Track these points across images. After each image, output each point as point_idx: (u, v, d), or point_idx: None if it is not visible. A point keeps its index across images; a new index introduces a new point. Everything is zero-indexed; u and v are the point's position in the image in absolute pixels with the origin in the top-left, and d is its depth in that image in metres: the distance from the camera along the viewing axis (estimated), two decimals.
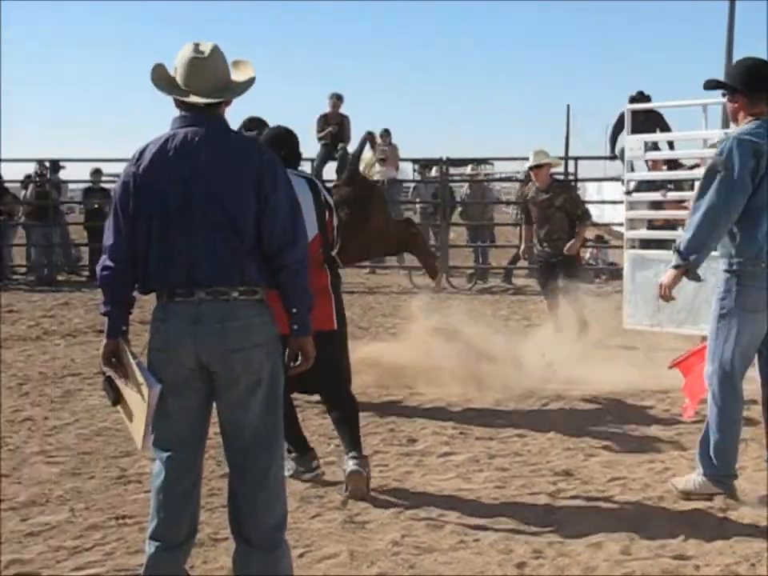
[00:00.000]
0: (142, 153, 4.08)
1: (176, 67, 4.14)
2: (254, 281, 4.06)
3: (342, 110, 18.79)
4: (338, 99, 18.74)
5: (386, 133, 19.07)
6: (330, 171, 18.71)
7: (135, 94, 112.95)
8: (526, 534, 5.59)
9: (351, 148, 18.73)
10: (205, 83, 4.10)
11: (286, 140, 6.34)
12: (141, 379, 4.02)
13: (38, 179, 19.13)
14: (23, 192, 19.56)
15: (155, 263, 4.04)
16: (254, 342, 4.06)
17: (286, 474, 6.89)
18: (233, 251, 4.02)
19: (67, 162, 19.90)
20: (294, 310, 4.12)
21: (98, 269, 4.11)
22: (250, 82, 4.23)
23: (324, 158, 18.64)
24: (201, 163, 4.03)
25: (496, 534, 5.58)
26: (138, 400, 4.06)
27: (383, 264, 19.50)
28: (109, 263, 4.06)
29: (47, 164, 19.32)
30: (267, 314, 4.12)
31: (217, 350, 4.02)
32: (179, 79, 4.12)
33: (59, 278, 19.01)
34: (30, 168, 19.67)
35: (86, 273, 19.48)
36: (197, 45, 4.14)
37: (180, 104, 4.15)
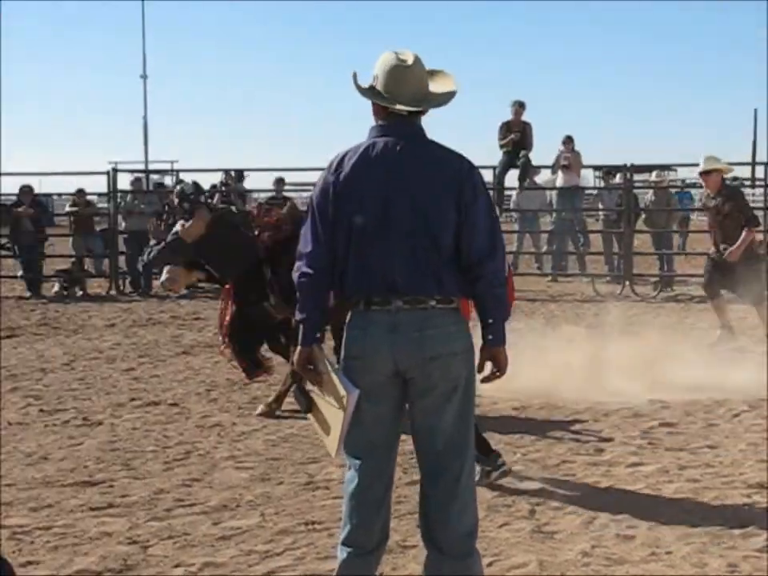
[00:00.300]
0: (341, 161, 4.13)
1: (376, 75, 4.17)
2: (451, 291, 4.08)
3: (525, 117, 18.74)
4: (520, 106, 18.69)
5: (569, 139, 18.93)
6: (511, 178, 18.70)
7: (316, 106, 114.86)
8: (720, 548, 5.45)
9: (533, 155, 18.70)
10: (408, 92, 4.13)
11: None
12: (339, 385, 4.07)
13: (223, 189, 19.66)
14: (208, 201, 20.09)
15: (353, 271, 4.09)
16: (451, 350, 4.07)
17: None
18: (431, 262, 4.05)
19: (251, 171, 20.41)
20: (490, 321, 4.12)
21: (294, 275, 4.17)
22: (451, 95, 4.25)
23: (506, 166, 18.61)
24: (401, 172, 4.07)
25: (688, 547, 5.46)
26: (334, 407, 4.11)
27: (565, 272, 19.32)
28: (307, 270, 4.12)
29: (233, 173, 19.85)
30: (463, 322, 4.14)
31: (415, 358, 4.04)
32: (380, 87, 4.15)
33: None
34: (217, 178, 20.26)
35: None
36: (398, 53, 4.17)
37: (380, 112, 4.19)
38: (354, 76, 4.19)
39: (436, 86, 4.24)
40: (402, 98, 4.12)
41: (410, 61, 4.16)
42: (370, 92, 4.18)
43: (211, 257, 8.44)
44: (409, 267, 4.04)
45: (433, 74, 4.28)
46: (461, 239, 4.08)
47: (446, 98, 4.25)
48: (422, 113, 4.22)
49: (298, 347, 4.19)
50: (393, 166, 4.08)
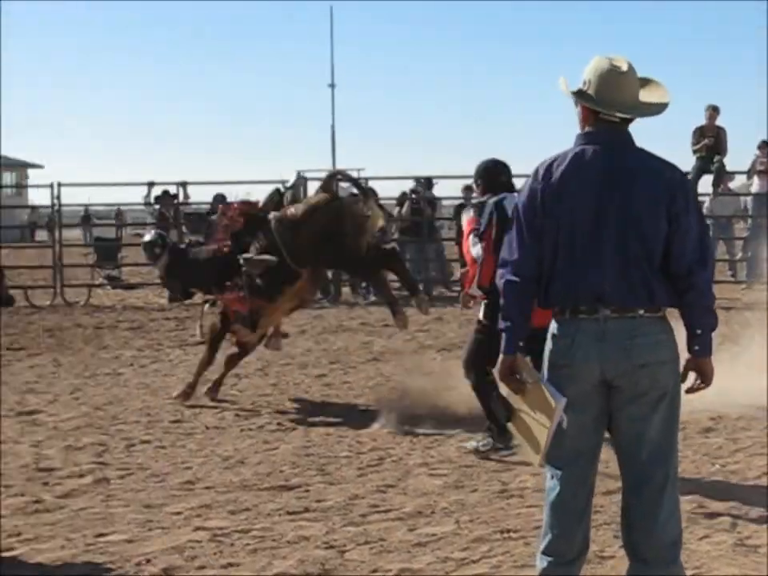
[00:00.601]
0: (548, 168, 4.09)
1: (588, 80, 4.12)
2: (661, 301, 4.03)
3: (719, 121, 18.32)
4: (714, 111, 18.27)
5: (765, 144, 18.43)
6: (705, 184, 18.28)
7: (502, 113, 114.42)
8: None
9: (727, 160, 18.25)
10: (621, 98, 4.07)
11: (504, 167, 7.84)
12: (547, 394, 4.05)
13: (413, 196, 19.82)
14: (396, 209, 20.30)
15: (560, 279, 4.06)
16: (659, 358, 4.02)
17: (482, 448, 7.69)
18: (642, 271, 4.01)
19: (440, 178, 20.50)
20: (698, 331, 4.05)
21: (499, 282, 4.18)
22: (663, 106, 4.18)
23: (700, 171, 18.22)
24: (614, 181, 4.02)
25: None
26: (538, 415, 4.09)
27: (761, 280, 18.74)
28: (513, 278, 4.12)
29: (422, 180, 19.98)
30: (670, 330, 4.07)
31: (623, 366, 4.00)
32: (592, 92, 4.11)
33: (433, 293, 19.55)
34: (405, 186, 20.44)
35: (457, 288, 19.96)
36: (611, 59, 4.12)
37: (588, 118, 4.13)
38: (564, 81, 4.17)
39: (648, 96, 4.17)
40: (615, 104, 4.07)
41: (625, 67, 4.10)
42: (582, 96, 4.14)
43: None
44: (620, 277, 4.00)
45: (645, 82, 4.21)
46: (671, 249, 4.02)
47: (658, 108, 4.18)
48: (631, 121, 4.16)
49: (501, 356, 4.18)
50: (605, 175, 4.03)
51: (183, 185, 20.44)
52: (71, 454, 7.88)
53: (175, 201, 20.30)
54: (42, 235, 43.91)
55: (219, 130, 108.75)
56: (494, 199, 7.62)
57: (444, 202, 21.92)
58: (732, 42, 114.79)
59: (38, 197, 51.24)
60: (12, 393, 10.32)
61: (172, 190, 20.38)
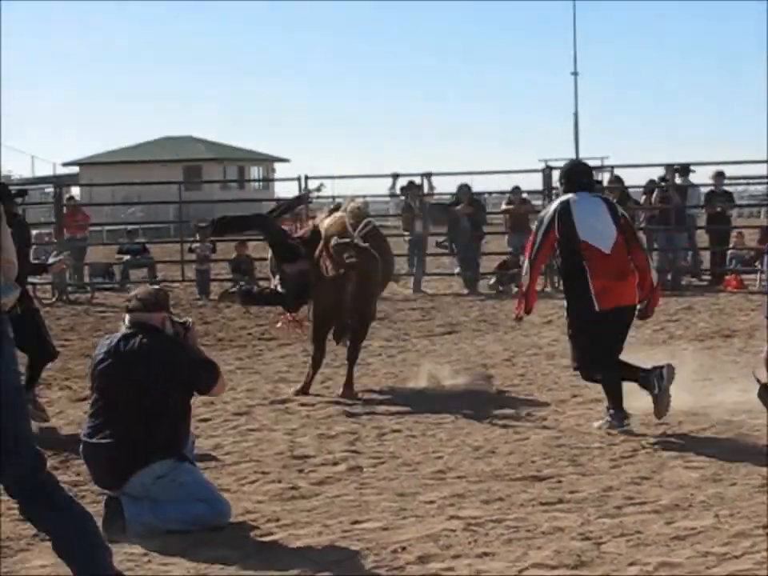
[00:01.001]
0: None
1: None
2: None
3: None
4: None
5: None
6: None
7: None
8: None
9: None
10: None
11: (588, 169, 9.03)
12: None
13: (662, 184, 19.41)
14: (643, 197, 19.92)
15: None
16: None
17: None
18: None
19: (697, 165, 20.00)
20: None
21: None
22: None
23: None
24: None
25: None
26: None
27: None
28: None
29: (676, 167, 19.50)
30: None
31: None
32: None
33: (682, 282, 19.07)
34: (654, 173, 20.03)
35: (708, 277, 19.48)
36: None
37: None
38: None
39: None
40: None
41: None
42: None
43: None
44: None
45: None
46: None
47: None
48: None
49: None
50: None
51: (428, 175, 20.64)
52: (324, 442, 8.08)
53: (420, 192, 20.52)
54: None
55: (460, 119, 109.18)
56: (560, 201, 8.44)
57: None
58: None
59: (284, 190, 52.58)
60: (265, 382, 10.67)
61: (416, 180, 20.61)
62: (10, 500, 6.46)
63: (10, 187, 10.86)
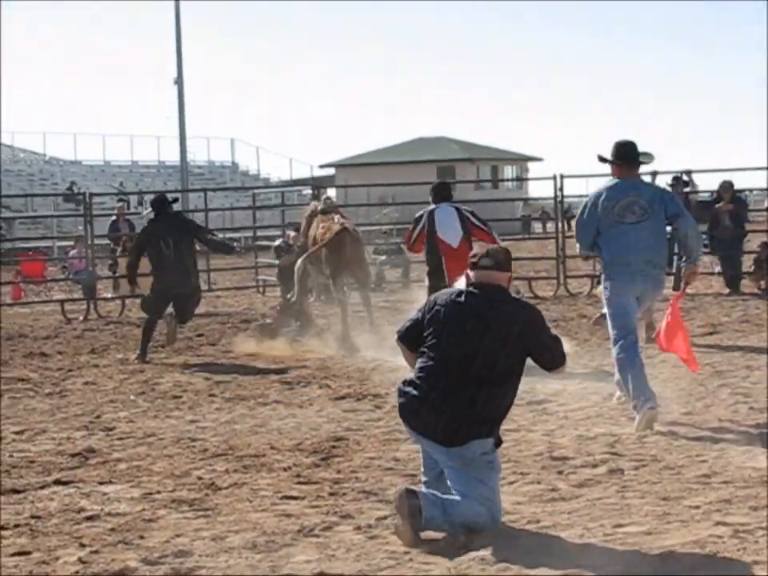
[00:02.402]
0: None
1: None
2: None
3: None
4: None
5: None
6: None
7: None
8: None
9: None
10: None
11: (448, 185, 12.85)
12: None
13: None
14: None
15: None
16: None
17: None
18: None
19: None
20: None
21: None
22: None
23: None
24: None
25: None
26: None
27: None
28: None
29: None
30: None
31: None
32: None
33: None
34: None
35: None
36: None
37: None
38: None
39: None
40: None
41: None
42: None
43: None
44: None
45: None
46: None
47: None
48: None
49: None
50: None
51: (688, 173, 20.16)
52: (583, 444, 7.97)
53: (687, 188, 20.08)
54: (538, 227, 45.15)
55: (720, 118, 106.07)
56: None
57: None
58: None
59: (538, 189, 52.52)
60: (521, 382, 10.59)
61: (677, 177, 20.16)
62: (274, 496, 6.74)
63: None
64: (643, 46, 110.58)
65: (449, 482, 5.98)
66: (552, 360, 6.07)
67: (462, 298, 5.99)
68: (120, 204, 24.89)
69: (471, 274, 6.06)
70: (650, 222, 8.54)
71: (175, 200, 14.74)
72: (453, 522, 5.82)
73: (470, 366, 5.86)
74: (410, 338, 6.20)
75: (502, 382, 5.90)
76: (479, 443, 5.88)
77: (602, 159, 8.87)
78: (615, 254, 8.61)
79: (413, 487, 5.99)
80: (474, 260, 6.06)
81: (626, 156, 8.79)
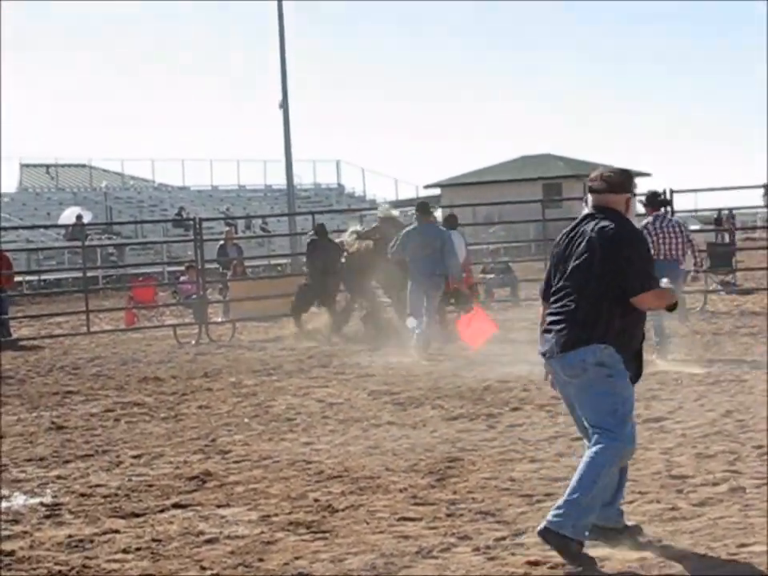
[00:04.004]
0: None
1: None
2: None
3: None
4: None
5: None
6: None
7: None
8: None
9: None
10: None
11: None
12: None
13: None
14: None
15: None
16: None
17: None
18: None
19: None
20: None
21: None
22: None
23: None
24: None
25: None
26: None
27: None
28: None
29: None
30: None
31: None
32: None
33: None
34: None
35: None
36: None
37: None
38: None
39: None
40: None
41: None
42: None
43: None
44: None
45: None
46: None
47: None
48: None
49: None
50: None
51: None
52: (702, 462, 7.85)
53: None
54: None
55: None
56: None
57: None
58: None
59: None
60: (637, 400, 10.46)
61: None
62: (390, 517, 6.75)
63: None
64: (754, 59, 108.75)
65: (584, 422, 6.00)
66: (634, 286, 5.85)
67: (577, 223, 6.04)
68: (228, 228, 25.24)
69: (589, 197, 6.12)
70: None
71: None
72: (591, 503, 5.75)
73: (573, 278, 5.91)
74: (547, 294, 6.18)
75: (600, 295, 5.83)
76: (585, 350, 5.85)
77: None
78: None
79: (545, 525, 5.81)
80: (590, 184, 6.12)
81: None
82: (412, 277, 15.07)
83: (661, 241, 13.22)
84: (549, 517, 5.79)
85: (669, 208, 16.20)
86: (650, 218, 13.44)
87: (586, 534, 5.78)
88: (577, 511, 5.71)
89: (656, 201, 13.87)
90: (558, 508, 5.76)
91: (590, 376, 5.88)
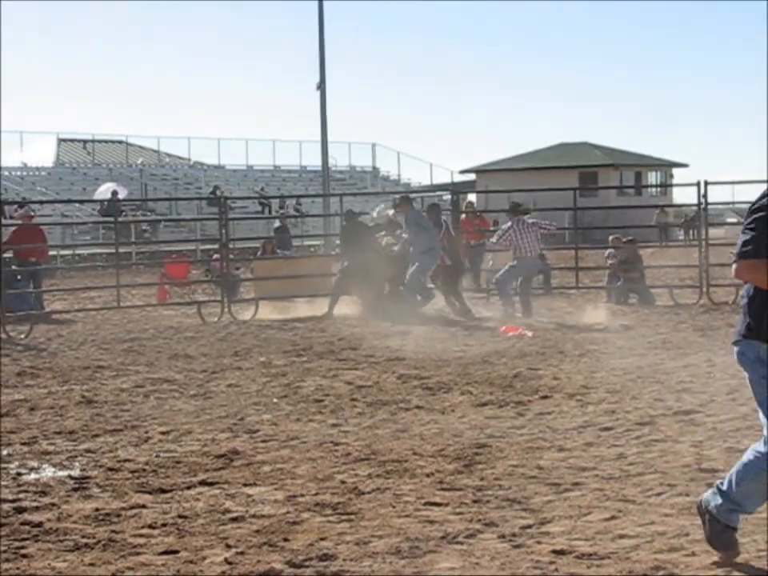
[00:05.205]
0: None
1: None
2: None
3: None
4: None
5: None
6: None
7: None
8: None
9: None
10: None
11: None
12: None
13: None
14: None
15: None
16: None
17: None
18: None
19: None
20: None
21: None
22: None
23: None
24: None
25: None
26: None
27: None
28: None
29: None
30: None
31: None
32: None
33: None
34: None
35: None
36: None
37: None
38: None
39: None
40: None
41: None
42: None
43: None
44: None
45: None
46: None
47: None
48: None
49: None
50: None
51: None
52: (733, 456, 7.75)
53: None
54: (674, 235, 44.42)
55: None
56: None
57: None
58: None
59: (682, 196, 51.76)
60: (668, 392, 10.44)
61: None
62: (417, 501, 6.74)
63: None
64: None
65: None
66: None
67: None
68: (282, 210, 25.45)
69: None
70: None
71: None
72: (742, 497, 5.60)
73: None
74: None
75: None
76: (743, 343, 5.48)
77: None
78: None
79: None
80: None
81: None
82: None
83: (522, 239, 17.50)
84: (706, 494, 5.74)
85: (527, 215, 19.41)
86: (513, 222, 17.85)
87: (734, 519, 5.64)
88: (728, 498, 5.61)
89: (517, 210, 18.31)
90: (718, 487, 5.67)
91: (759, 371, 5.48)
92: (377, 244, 18.96)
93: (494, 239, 18.63)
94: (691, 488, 6.94)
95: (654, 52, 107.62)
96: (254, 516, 6.58)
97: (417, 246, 18.11)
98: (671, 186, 54.58)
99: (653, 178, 56.26)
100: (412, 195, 23.40)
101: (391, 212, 20.52)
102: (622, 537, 5.95)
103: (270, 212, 44.97)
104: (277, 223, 24.20)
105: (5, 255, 18.48)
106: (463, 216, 22.49)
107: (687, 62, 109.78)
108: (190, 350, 14.63)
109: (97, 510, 6.76)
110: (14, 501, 7.01)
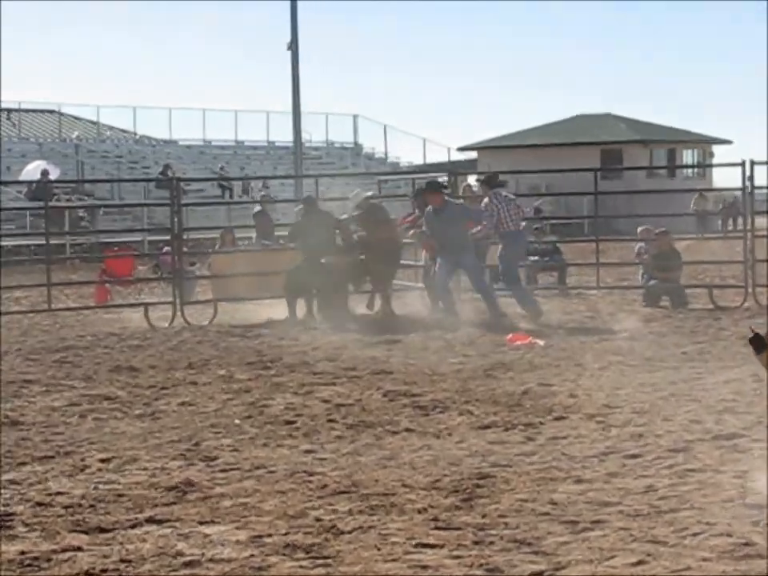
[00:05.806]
0: None
1: None
2: None
3: None
4: None
5: None
6: None
7: None
8: None
9: None
10: None
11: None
12: None
13: None
14: None
15: None
16: None
17: None
18: None
19: None
20: None
21: None
22: None
23: None
24: None
25: None
26: None
27: None
28: None
29: None
30: None
31: None
32: None
33: None
34: None
35: None
36: None
37: None
38: None
39: None
40: None
41: None
42: None
43: None
44: None
45: None
46: None
47: None
48: None
49: None
50: None
51: None
52: None
53: None
54: (714, 225, 44.52)
55: None
56: None
57: None
58: None
59: (724, 177, 51.99)
60: (707, 412, 10.47)
61: None
62: (406, 543, 6.74)
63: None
64: None
65: None
66: None
67: None
68: (263, 193, 25.51)
69: None
70: None
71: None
72: None
73: None
74: None
75: None
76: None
77: None
78: None
79: None
80: None
81: None
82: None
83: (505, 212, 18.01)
84: None
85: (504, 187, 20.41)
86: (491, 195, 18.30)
87: None
88: None
89: (494, 181, 18.80)
90: None
91: None
92: (346, 234, 19.21)
93: (476, 229, 18.36)
94: (734, 527, 6.96)
95: (690, 8, 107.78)
96: (211, 560, 6.57)
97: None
98: (711, 166, 54.78)
99: (689, 156, 56.45)
100: (396, 177, 23.56)
101: (369, 193, 20.78)
102: None
103: (231, 196, 45.00)
104: (257, 207, 24.09)
105: None
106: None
107: (728, 16, 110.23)
108: (136, 361, 14.62)
109: (22, 553, 6.74)
110: None
